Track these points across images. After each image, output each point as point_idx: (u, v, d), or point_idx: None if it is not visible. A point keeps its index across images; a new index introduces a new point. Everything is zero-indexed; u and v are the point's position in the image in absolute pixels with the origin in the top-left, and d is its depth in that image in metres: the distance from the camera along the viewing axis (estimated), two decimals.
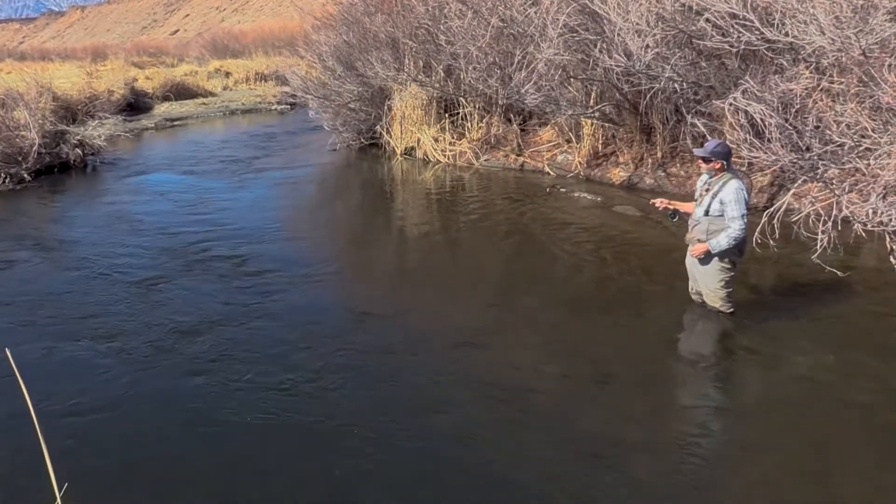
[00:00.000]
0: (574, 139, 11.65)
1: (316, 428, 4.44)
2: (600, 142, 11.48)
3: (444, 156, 13.16)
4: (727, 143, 6.32)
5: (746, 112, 7.89)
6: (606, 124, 11.20)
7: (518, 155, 12.51)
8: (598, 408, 4.61)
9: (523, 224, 9.24)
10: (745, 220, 5.32)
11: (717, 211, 5.40)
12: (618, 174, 10.87)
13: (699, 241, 5.56)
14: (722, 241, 5.36)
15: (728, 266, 5.57)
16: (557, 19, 9.03)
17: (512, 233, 8.98)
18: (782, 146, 6.25)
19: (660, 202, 6.02)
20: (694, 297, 5.97)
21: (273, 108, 24.91)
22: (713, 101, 8.98)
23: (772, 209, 7.40)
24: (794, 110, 6.91)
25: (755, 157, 6.52)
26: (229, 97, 26.98)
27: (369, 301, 6.67)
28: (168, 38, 77.31)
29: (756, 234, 7.32)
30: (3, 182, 12.47)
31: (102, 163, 14.56)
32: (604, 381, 4.96)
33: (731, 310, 5.73)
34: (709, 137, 9.35)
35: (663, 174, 10.45)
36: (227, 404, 4.74)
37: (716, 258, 5.52)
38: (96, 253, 8.31)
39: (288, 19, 45.51)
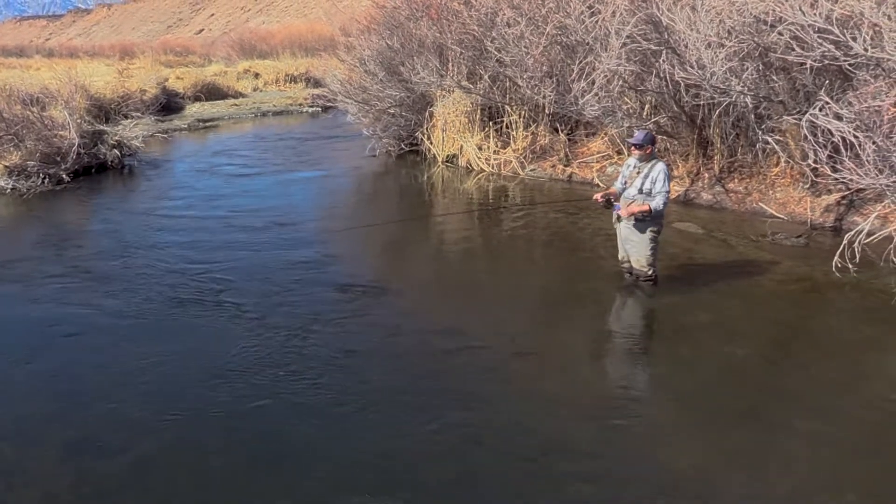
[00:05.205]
0: (625, 150, 11.31)
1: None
2: None
3: (488, 164, 12.84)
4: (654, 133, 7.79)
5: (823, 129, 7.54)
6: (661, 137, 10.85)
7: (566, 166, 12.18)
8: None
9: (571, 237, 8.92)
10: (668, 194, 6.43)
11: (648, 189, 6.42)
12: (672, 188, 10.50)
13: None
14: (659, 204, 6.39)
15: (655, 235, 6.64)
16: (622, 29, 8.69)
17: (558, 247, 8.68)
18: (878, 168, 5.90)
19: (598, 197, 6.87)
20: (623, 265, 6.95)
21: (305, 110, 24.73)
22: (784, 117, 8.64)
23: (852, 232, 7.04)
24: (883, 129, 6.54)
25: (846, 179, 6.16)
26: (260, 98, 26.84)
27: (399, 312, 6.56)
28: (193, 37, 77.68)
29: (836, 258, 6.97)
30: (42, 182, 12.26)
31: (139, 164, 14.40)
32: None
33: (654, 273, 6.73)
34: (780, 154, 9.10)
35: (721, 190, 10.08)
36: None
37: (648, 228, 6.55)
38: (147, 258, 8.16)
39: (315, 20, 45.43)
